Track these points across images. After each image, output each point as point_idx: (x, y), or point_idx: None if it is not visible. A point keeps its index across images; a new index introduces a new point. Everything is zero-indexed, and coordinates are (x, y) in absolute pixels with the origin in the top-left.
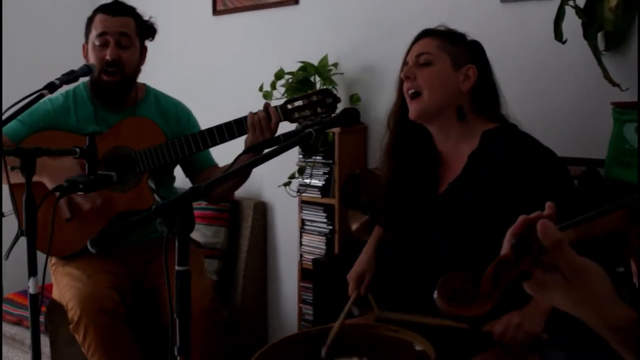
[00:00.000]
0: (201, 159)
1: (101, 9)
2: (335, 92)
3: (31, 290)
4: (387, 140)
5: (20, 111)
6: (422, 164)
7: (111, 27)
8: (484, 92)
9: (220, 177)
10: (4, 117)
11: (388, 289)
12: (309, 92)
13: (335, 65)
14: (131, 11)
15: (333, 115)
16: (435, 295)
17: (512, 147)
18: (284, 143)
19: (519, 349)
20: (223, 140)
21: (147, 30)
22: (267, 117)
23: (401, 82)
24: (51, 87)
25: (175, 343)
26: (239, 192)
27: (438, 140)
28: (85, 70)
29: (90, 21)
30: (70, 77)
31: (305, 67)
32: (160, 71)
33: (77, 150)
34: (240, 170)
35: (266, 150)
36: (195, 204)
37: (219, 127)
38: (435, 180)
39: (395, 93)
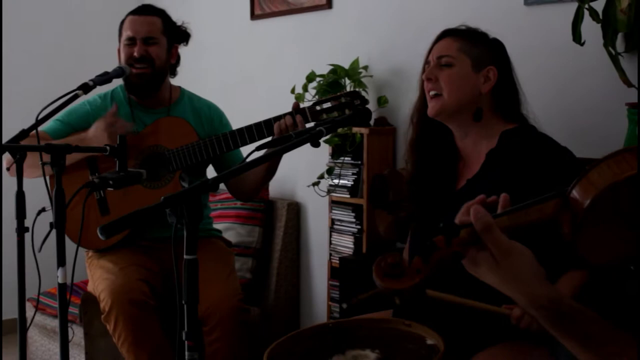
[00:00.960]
0: (232, 159)
1: (132, 11)
2: (365, 94)
3: (60, 280)
4: (410, 136)
5: (57, 111)
6: (442, 160)
7: (138, 26)
8: (504, 92)
9: (228, 172)
10: (41, 116)
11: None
12: (338, 93)
13: (366, 68)
14: (159, 12)
15: (344, 114)
16: (373, 273)
17: (530, 148)
18: (295, 140)
19: (535, 333)
20: (252, 140)
21: (178, 32)
22: (294, 124)
23: (423, 81)
24: (85, 87)
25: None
26: (274, 192)
27: (457, 137)
28: (119, 71)
29: (121, 25)
30: (104, 78)
31: (336, 70)
32: (200, 73)
33: (108, 148)
34: (248, 165)
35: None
36: (230, 204)
37: (248, 128)
38: (454, 176)
39: (418, 90)
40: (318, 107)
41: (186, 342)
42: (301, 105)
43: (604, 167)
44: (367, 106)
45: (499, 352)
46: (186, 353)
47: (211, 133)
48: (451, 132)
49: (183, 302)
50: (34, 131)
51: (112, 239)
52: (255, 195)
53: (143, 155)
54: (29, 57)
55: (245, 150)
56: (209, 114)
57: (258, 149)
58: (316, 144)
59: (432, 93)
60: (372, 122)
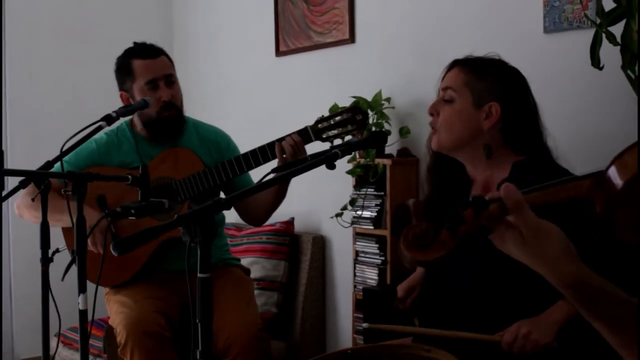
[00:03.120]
0: (240, 184)
1: (136, 55)
2: (387, 125)
3: (81, 307)
4: (428, 161)
5: (82, 142)
6: (455, 187)
7: (158, 70)
8: (513, 127)
9: (242, 192)
10: (65, 147)
11: (427, 309)
12: (339, 110)
13: (388, 99)
14: (161, 49)
15: (361, 137)
16: (400, 242)
17: (539, 178)
18: (309, 162)
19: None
20: (258, 163)
21: None
22: (295, 145)
23: None
24: (109, 119)
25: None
26: (299, 226)
27: (468, 168)
28: (142, 104)
29: (127, 69)
30: (127, 109)
31: (358, 102)
32: (225, 109)
33: (130, 177)
34: (262, 185)
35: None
36: (256, 239)
37: (253, 152)
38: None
39: None
40: (320, 125)
41: None
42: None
43: (637, 150)
44: (384, 130)
45: None
46: None
47: (220, 159)
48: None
49: (197, 321)
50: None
51: (126, 275)
52: (266, 219)
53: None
54: (53, 97)
55: (255, 174)
56: (216, 140)
57: (273, 171)
58: (331, 166)
59: (432, 128)
60: (394, 153)
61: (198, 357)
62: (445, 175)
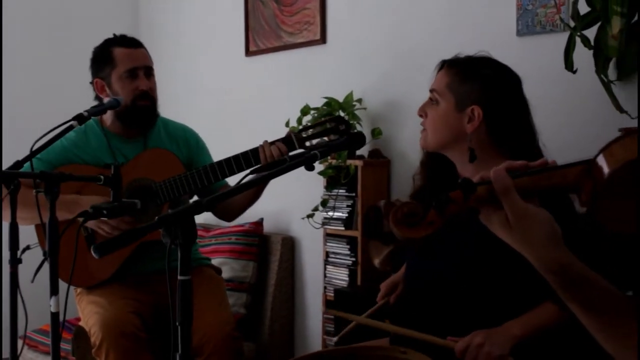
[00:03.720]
0: (216, 187)
1: (117, 43)
2: (359, 126)
3: (52, 309)
4: (422, 156)
5: (52, 141)
6: (445, 183)
7: (139, 59)
8: (498, 129)
9: (223, 193)
10: (35, 147)
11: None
12: (322, 119)
13: (360, 100)
14: (141, 42)
15: (339, 139)
16: (389, 219)
17: None
18: (288, 163)
19: None
20: (240, 169)
21: None
22: (280, 153)
23: None
24: (80, 118)
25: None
26: (268, 227)
27: (457, 167)
28: (114, 103)
29: (108, 56)
30: (99, 109)
31: (330, 103)
32: (194, 106)
33: (102, 177)
34: (243, 187)
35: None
36: (225, 239)
37: (236, 157)
38: None
39: None
40: (304, 134)
41: None
42: (284, 120)
43: (627, 141)
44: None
45: None
46: None
47: (189, 156)
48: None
49: (177, 323)
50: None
51: (101, 276)
52: (239, 216)
53: (130, 188)
54: (21, 83)
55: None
56: (185, 137)
57: (252, 172)
58: (310, 168)
59: (422, 128)
60: (366, 154)
61: None
62: (436, 171)
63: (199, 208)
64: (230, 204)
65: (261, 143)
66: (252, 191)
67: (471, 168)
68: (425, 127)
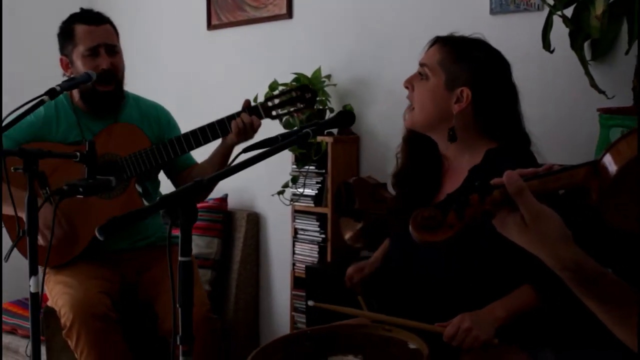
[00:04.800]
0: (181, 159)
1: (80, 20)
2: (328, 103)
3: (32, 289)
4: (404, 132)
5: (23, 116)
6: (427, 163)
7: (100, 37)
8: (485, 113)
9: (221, 172)
10: (4, 122)
11: (379, 292)
12: (289, 88)
13: (328, 77)
14: (106, 17)
15: (329, 117)
16: (409, 225)
17: (513, 166)
18: (282, 142)
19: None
20: (207, 141)
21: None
22: (251, 123)
23: None
24: (52, 93)
25: (177, 332)
26: (232, 203)
27: (440, 147)
28: (86, 77)
29: (70, 34)
30: (71, 84)
31: (299, 79)
32: (154, 84)
33: (78, 154)
34: (240, 166)
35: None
36: None
37: (202, 129)
38: (437, 182)
39: None
40: (270, 103)
41: (180, 346)
42: (252, 104)
43: (632, 139)
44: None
45: (481, 355)
46: (181, 358)
47: (160, 135)
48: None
49: (178, 305)
50: None
51: (69, 255)
52: (209, 194)
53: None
54: None
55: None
56: (156, 115)
57: (244, 150)
58: (303, 146)
59: (409, 103)
60: (335, 131)
61: (178, 342)
62: (417, 150)
63: (200, 187)
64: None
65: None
66: (219, 166)
67: (453, 149)
68: (412, 102)
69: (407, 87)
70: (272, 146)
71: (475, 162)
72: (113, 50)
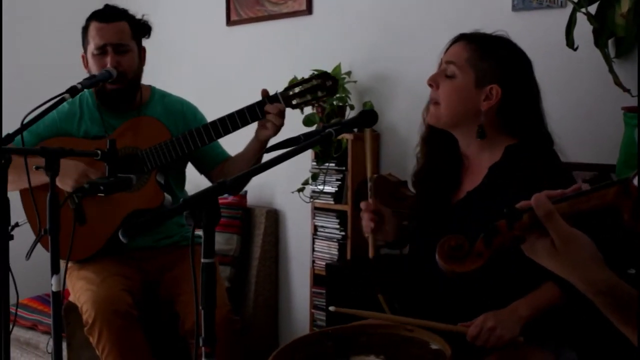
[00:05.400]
0: (212, 153)
1: (94, 17)
2: (348, 99)
3: (54, 288)
4: (423, 131)
5: (44, 114)
6: (447, 162)
7: (108, 35)
8: (511, 110)
9: (245, 173)
10: (27, 120)
11: (401, 292)
12: (309, 76)
13: (349, 73)
14: (124, 14)
15: (351, 117)
16: (436, 255)
17: (532, 165)
18: (305, 142)
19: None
20: (227, 132)
21: (143, 29)
22: (277, 109)
23: None
24: (73, 91)
25: (200, 334)
26: (252, 200)
27: (461, 145)
28: (106, 75)
29: (85, 31)
30: (91, 81)
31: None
32: (174, 80)
33: (99, 152)
34: (264, 167)
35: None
36: None
37: (221, 120)
38: (456, 181)
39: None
40: (290, 92)
41: (203, 348)
42: (272, 93)
43: None
44: (349, 113)
45: (505, 355)
46: None
47: (186, 129)
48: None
49: (201, 307)
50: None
51: (92, 249)
52: (241, 189)
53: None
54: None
55: (223, 142)
56: (182, 110)
57: (267, 150)
58: (326, 146)
59: (432, 100)
60: (355, 128)
61: (201, 344)
62: (437, 149)
63: (223, 189)
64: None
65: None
66: (252, 163)
67: (476, 147)
68: (437, 100)
69: (431, 85)
70: (295, 146)
71: (494, 160)
72: (121, 49)
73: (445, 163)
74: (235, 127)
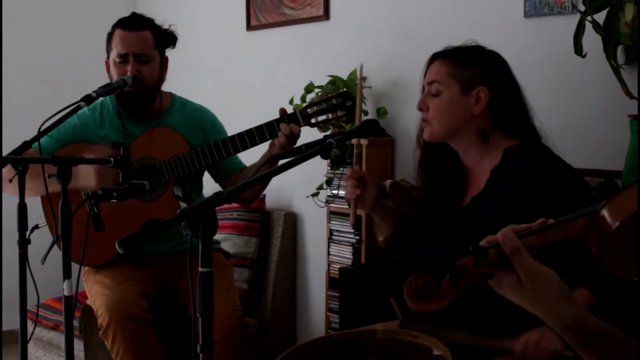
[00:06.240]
0: (228, 164)
1: (119, 24)
2: (363, 105)
3: (65, 292)
4: (419, 155)
5: (60, 122)
6: (449, 177)
7: (130, 44)
8: (502, 109)
9: (242, 184)
10: (43, 127)
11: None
12: (329, 95)
13: (364, 79)
14: (149, 23)
15: (354, 126)
16: (404, 294)
17: (533, 164)
18: (305, 152)
19: None
20: (245, 147)
21: (167, 39)
22: (290, 131)
23: None
24: (88, 99)
25: (198, 341)
26: (270, 203)
27: (461, 156)
28: (121, 83)
29: (110, 37)
30: (106, 90)
31: (334, 81)
32: (194, 84)
33: (112, 160)
34: (263, 177)
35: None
36: (227, 215)
37: (240, 135)
38: (460, 193)
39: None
40: (309, 110)
41: (201, 355)
42: (290, 110)
43: (631, 191)
44: (363, 118)
45: None
46: None
47: (205, 139)
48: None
49: (198, 315)
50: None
51: (108, 255)
52: (255, 198)
53: (135, 167)
54: (25, 68)
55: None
56: (201, 119)
57: (269, 160)
58: (326, 156)
59: (424, 120)
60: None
61: (199, 350)
62: (439, 167)
63: (220, 200)
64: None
65: (263, 119)
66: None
67: (476, 154)
68: (428, 119)
69: (421, 109)
70: (296, 156)
71: (495, 163)
72: (143, 59)
73: (447, 179)
74: (254, 144)
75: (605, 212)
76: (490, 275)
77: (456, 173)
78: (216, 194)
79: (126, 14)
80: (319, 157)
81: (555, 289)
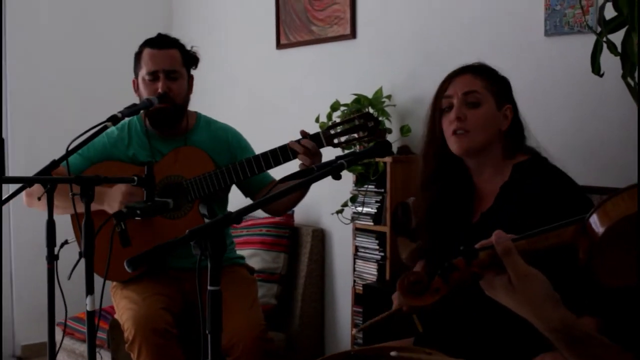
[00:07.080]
0: (256, 179)
1: (147, 44)
2: (388, 123)
3: (88, 307)
4: (426, 171)
5: (87, 142)
6: (459, 195)
7: (160, 61)
8: (515, 128)
9: (250, 206)
10: (71, 147)
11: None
12: (351, 116)
13: (389, 97)
14: (175, 43)
15: (366, 147)
16: (397, 289)
17: (542, 181)
18: (317, 173)
19: None
20: (269, 166)
21: (192, 59)
22: (316, 146)
23: (437, 114)
24: (114, 119)
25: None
26: (298, 219)
27: (474, 173)
28: (147, 103)
29: (138, 57)
30: (132, 110)
31: (360, 99)
32: (226, 102)
33: (135, 178)
34: (273, 198)
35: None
36: (256, 231)
37: (264, 155)
38: (469, 211)
39: (428, 125)
40: (332, 131)
41: None
42: (314, 117)
43: (619, 199)
44: (387, 136)
45: None
46: None
47: (230, 157)
48: (467, 168)
49: (207, 332)
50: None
51: (135, 271)
52: (287, 211)
53: (161, 185)
54: (55, 86)
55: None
56: (226, 138)
57: (282, 180)
58: (337, 177)
59: (458, 131)
60: (395, 150)
61: None
62: (448, 184)
63: (228, 220)
64: (277, 203)
65: (291, 137)
66: (297, 192)
67: (489, 172)
68: (466, 128)
69: (459, 118)
70: (307, 177)
71: (504, 180)
72: (172, 75)
73: (458, 195)
74: (277, 163)
75: (592, 219)
76: (481, 275)
77: (465, 191)
78: (225, 215)
79: (162, 30)
80: (345, 174)
81: (544, 291)
